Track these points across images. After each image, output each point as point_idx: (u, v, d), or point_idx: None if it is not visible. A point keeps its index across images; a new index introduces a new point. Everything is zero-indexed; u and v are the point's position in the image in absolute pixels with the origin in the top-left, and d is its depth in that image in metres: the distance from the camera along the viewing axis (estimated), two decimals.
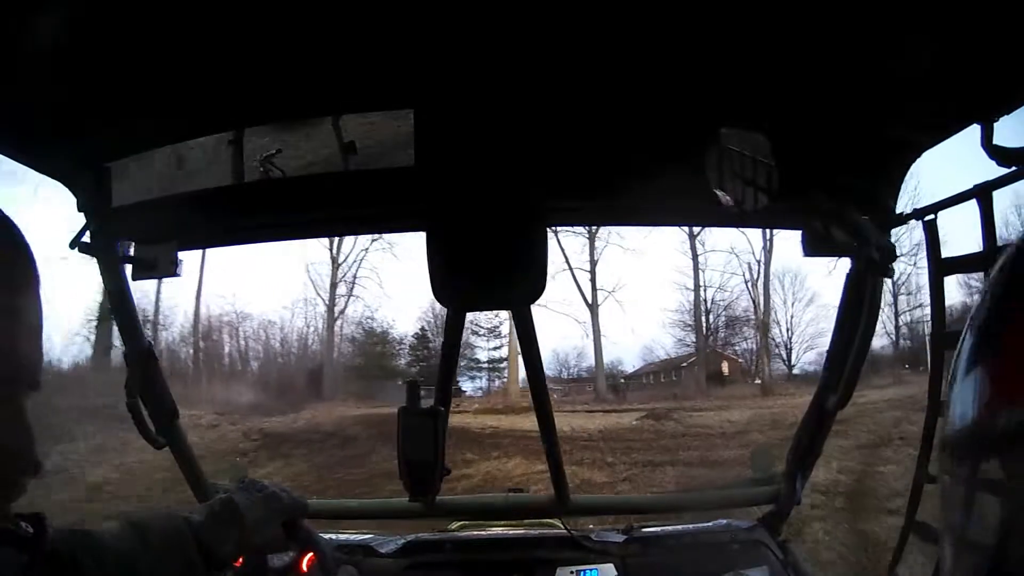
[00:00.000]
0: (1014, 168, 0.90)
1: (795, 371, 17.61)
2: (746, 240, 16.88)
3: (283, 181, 1.19)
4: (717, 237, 17.60)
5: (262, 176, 1.18)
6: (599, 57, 0.95)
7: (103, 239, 1.27)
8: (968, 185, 1.00)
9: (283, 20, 0.86)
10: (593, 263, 17.06)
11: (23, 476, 0.55)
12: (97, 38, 0.85)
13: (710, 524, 1.58)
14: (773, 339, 17.51)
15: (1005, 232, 1.01)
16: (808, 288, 17.18)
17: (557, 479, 1.51)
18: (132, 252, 1.32)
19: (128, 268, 1.34)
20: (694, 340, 17.69)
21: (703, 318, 17.61)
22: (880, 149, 1.11)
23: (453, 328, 1.34)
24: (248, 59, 0.94)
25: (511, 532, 1.62)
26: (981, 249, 1.03)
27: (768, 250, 17.06)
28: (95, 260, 1.29)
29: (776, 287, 17.54)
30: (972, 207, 1.00)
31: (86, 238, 1.25)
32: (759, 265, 17.36)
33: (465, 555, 1.48)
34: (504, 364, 17.41)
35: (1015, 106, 0.90)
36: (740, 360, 18.24)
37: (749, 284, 17.38)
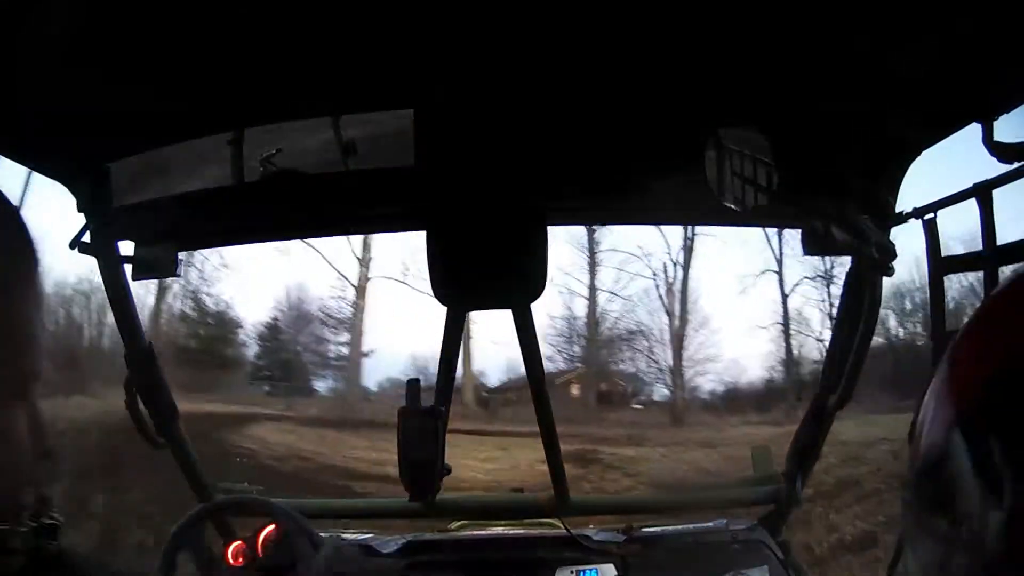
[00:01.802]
0: (1015, 166, 0.90)
1: (685, 396, 15.12)
2: (661, 236, 14.56)
3: (283, 181, 1.19)
4: (620, 232, 14.87)
5: (262, 176, 1.18)
6: (599, 57, 0.95)
7: (103, 239, 1.27)
8: (968, 184, 1.00)
9: (283, 20, 0.86)
10: None
11: (37, 463, 0.57)
12: (97, 38, 0.85)
13: (710, 524, 1.58)
14: (656, 360, 15.01)
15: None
16: (701, 307, 14.69)
17: (557, 479, 1.51)
18: (132, 252, 1.32)
19: (128, 268, 1.34)
20: (576, 353, 14.80)
21: (593, 328, 14.77)
22: (880, 148, 1.11)
23: (453, 328, 1.34)
24: (248, 59, 0.94)
25: (511, 532, 1.62)
26: (981, 248, 1.03)
27: (689, 248, 14.49)
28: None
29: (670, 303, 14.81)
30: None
31: (86, 238, 1.25)
32: (675, 267, 14.63)
33: (465, 555, 1.48)
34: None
35: (1015, 104, 0.90)
36: (620, 382, 15.55)
37: (660, 290, 14.58)
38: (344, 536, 1.53)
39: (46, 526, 0.76)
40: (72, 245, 1.25)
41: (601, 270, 13.80)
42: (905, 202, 1.18)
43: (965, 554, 0.31)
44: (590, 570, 1.43)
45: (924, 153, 1.12)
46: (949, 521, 0.32)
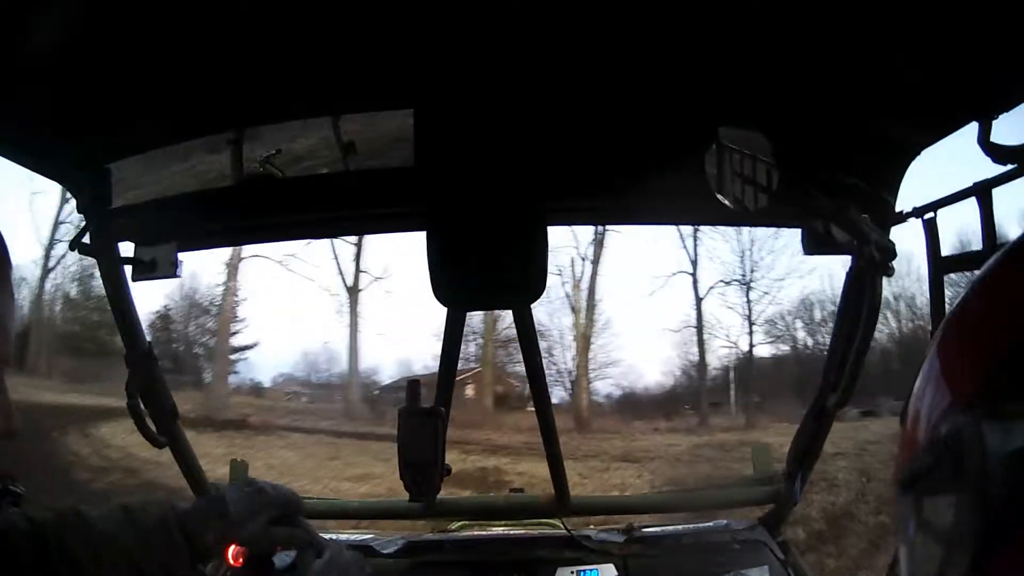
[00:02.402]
0: (1013, 166, 0.90)
1: (589, 400, 14.45)
2: (569, 229, 14.24)
3: (283, 181, 1.19)
4: None
5: (262, 176, 1.18)
6: (599, 57, 0.95)
7: (103, 239, 1.27)
8: (968, 183, 1.00)
9: (283, 20, 0.86)
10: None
11: (3, 439, 0.61)
12: (97, 39, 0.85)
13: (710, 524, 1.58)
14: (556, 362, 14.09)
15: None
16: (608, 307, 14.24)
17: (557, 479, 1.51)
18: (132, 252, 1.32)
19: (128, 268, 1.34)
20: (471, 352, 13.88)
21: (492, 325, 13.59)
22: (880, 148, 1.11)
23: (453, 328, 1.34)
24: (248, 59, 0.94)
25: (511, 532, 1.62)
26: (981, 248, 1.03)
27: (599, 243, 13.82)
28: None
29: (578, 302, 14.05)
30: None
31: (86, 239, 1.25)
32: (583, 263, 13.85)
33: (465, 555, 1.48)
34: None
35: (1014, 104, 0.90)
36: (515, 383, 14.40)
37: (567, 287, 13.83)
38: (344, 536, 1.53)
39: (9, 493, 0.80)
40: (72, 245, 1.25)
41: None
42: (905, 202, 1.19)
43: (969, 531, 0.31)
44: (590, 570, 1.43)
45: (924, 153, 1.12)
46: (951, 502, 0.32)
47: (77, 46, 0.85)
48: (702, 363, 14.14)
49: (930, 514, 0.35)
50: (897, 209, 1.18)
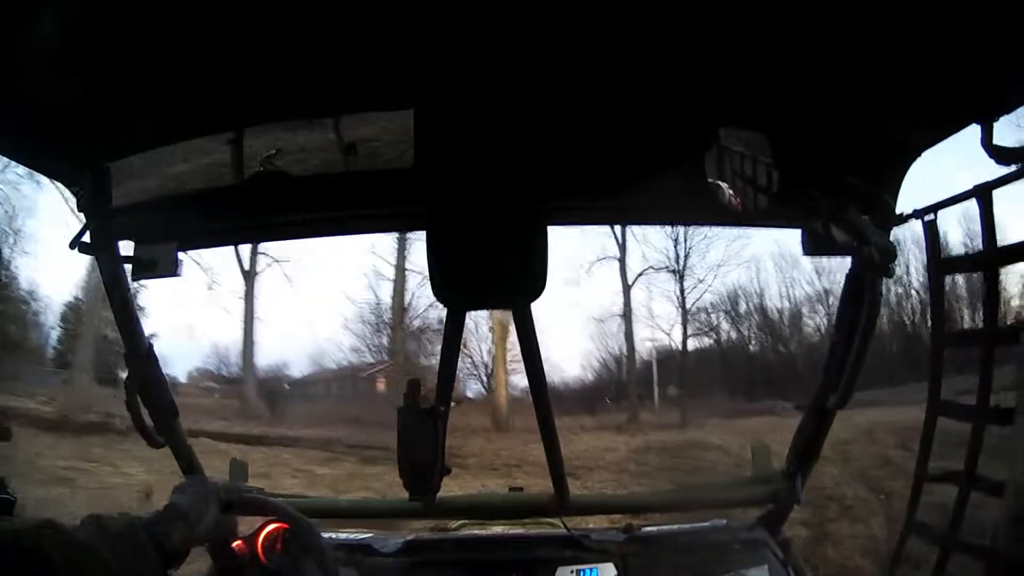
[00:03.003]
0: (1015, 167, 0.90)
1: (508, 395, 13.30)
2: None
3: (283, 181, 1.19)
4: None
5: (262, 176, 1.18)
6: (599, 57, 0.95)
7: (103, 239, 1.27)
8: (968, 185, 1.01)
9: (283, 20, 0.86)
10: None
11: None
12: (97, 39, 0.85)
13: (710, 524, 1.58)
14: (470, 352, 13.14)
15: None
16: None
17: (557, 478, 1.51)
18: (132, 252, 1.32)
19: (128, 268, 1.34)
20: (382, 344, 12.88)
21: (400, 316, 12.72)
22: (880, 149, 1.11)
23: (453, 327, 1.34)
24: (248, 59, 0.94)
25: (511, 531, 1.62)
26: (981, 249, 1.03)
27: None
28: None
29: None
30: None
31: (86, 238, 1.25)
32: None
33: (465, 554, 1.48)
34: None
35: (1014, 105, 0.90)
36: (432, 377, 13.85)
37: None
38: (344, 535, 1.53)
39: (2, 501, 0.83)
40: (72, 245, 1.25)
41: (412, 247, 12.10)
42: (905, 202, 1.19)
43: None
44: (590, 569, 1.43)
45: (924, 154, 1.12)
46: None
47: (77, 46, 0.85)
48: (630, 355, 13.51)
49: None
50: (898, 210, 1.18)
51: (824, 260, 15.05)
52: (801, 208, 1.13)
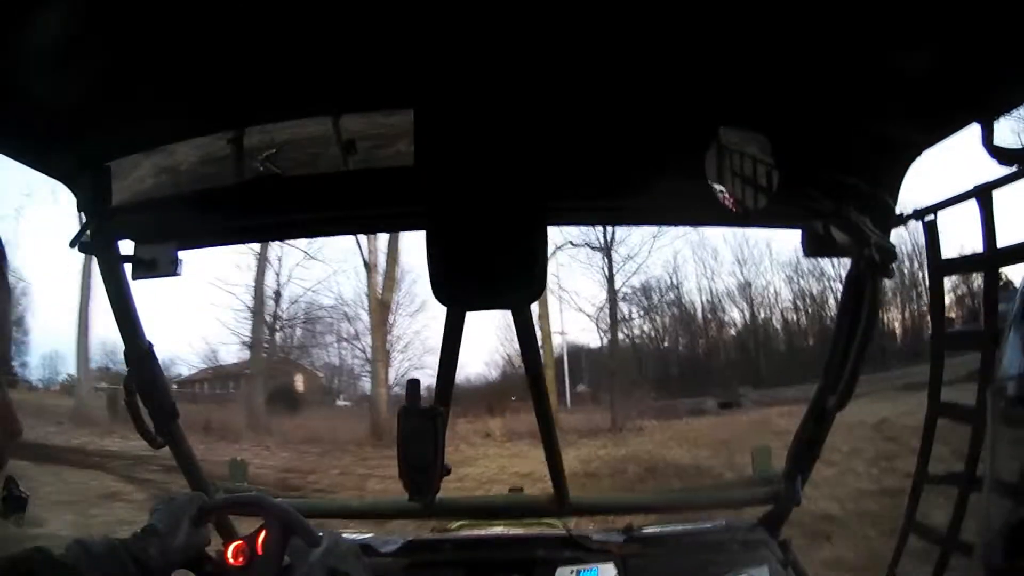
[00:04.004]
0: (1015, 168, 0.90)
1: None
2: None
3: (283, 181, 1.19)
4: None
5: (262, 176, 1.18)
6: (599, 58, 0.95)
7: (103, 239, 1.27)
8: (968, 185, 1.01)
9: (283, 20, 0.86)
10: None
11: (9, 440, 0.67)
12: (97, 38, 0.85)
13: (710, 524, 1.58)
14: (341, 333, 12.15)
15: None
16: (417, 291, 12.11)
17: (557, 479, 1.51)
18: (132, 252, 1.32)
19: (128, 268, 1.34)
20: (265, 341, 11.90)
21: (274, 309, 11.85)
22: (880, 149, 1.11)
23: (453, 328, 1.34)
24: (248, 59, 0.94)
25: (511, 532, 1.62)
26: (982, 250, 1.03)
27: None
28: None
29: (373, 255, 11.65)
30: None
31: (86, 238, 1.25)
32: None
33: (465, 555, 1.48)
34: None
35: (1014, 106, 0.90)
36: (320, 374, 12.81)
37: (363, 252, 11.79)
38: (344, 536, 1.52)
39: (15, 499, 0.85)
40: (72, 244, 1.25)
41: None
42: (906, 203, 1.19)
43: None
44: (590, 570, 1.43)
45: (924, 154, 1.12)
46: None
47: (77, 45, 0.85)
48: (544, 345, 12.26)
49: None
50: (897, 211, 1.18)
51: (747, 250, 15.01)
52: (801, 208, 1.13)
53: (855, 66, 0.92)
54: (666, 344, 15.56)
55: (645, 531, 1.52)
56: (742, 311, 15.35)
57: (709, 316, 15.47)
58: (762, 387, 13.13)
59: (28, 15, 0.78)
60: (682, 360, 15.53)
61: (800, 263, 14.85)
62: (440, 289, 1.15)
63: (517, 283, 1.16)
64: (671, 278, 14.22)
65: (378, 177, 1.18)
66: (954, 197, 1.06)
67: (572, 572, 1.42)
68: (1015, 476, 0.38)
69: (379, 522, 1.76)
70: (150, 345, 1.40)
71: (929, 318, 1.19)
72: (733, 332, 15.46)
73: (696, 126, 1.05)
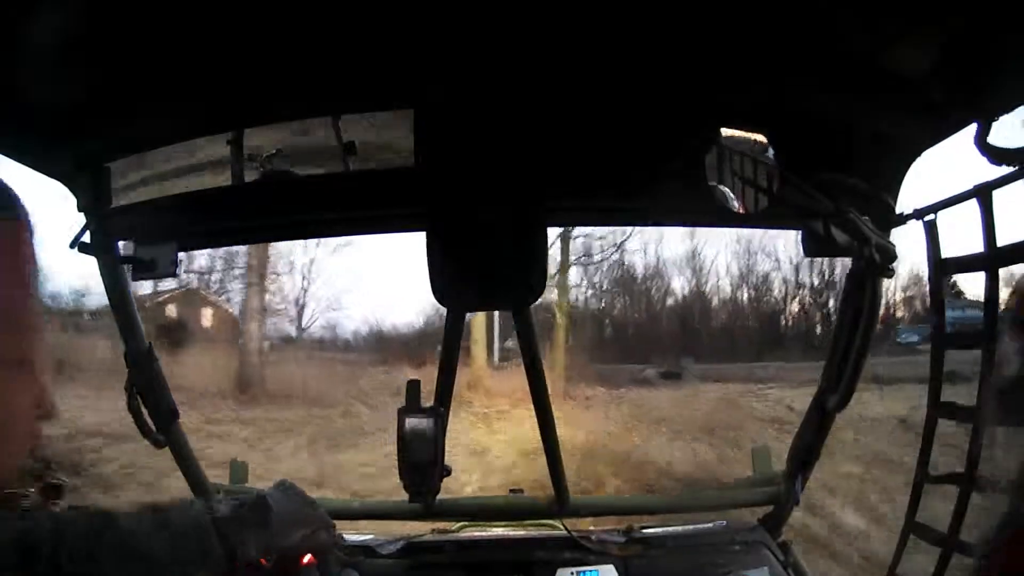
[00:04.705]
0: (1012, 168, 0.90)
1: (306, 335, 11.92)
2: None
3: (283, 181, 1.19)
4: None
5: (262, 176, 1.18)
6: (599, 58, 0.95)
7: (103, 239, 1.27)
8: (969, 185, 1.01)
9: (283, 20, 0.86)
10: None
11: (43, 420, 0.60)
12: (97, 38, 0.85)
13: (710, 525, 1.58)
14: (271, 292, 10.68)
15: None
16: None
17: (557, 480, 1.51)
18: (132, 252, 1.32)
19: (128, 268, 1.34)
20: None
21: None
22: (880, 148, 1.11)
23: (453, 328, 1.34)
24: (248, 59, 0.94)
25: (511, 533, 1.62)
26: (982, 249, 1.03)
27: None
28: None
29: None
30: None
31: (86, 238, 1.25)
32: None
33: (465, 556, 1.47)
34: None
35: (1014, 105, 0.90)
36: (231, 310, 11.45)
37: None
38: (344, 536, 1.52)
39: (51, 486, 0.77)
40: (72, 245, 1.25)
41: None
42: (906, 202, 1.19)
43: None
44: (590, 571, 1.43)
45: (924, 153, 1.12)
46: None
47: (77, 46, 0.85)
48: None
49: None
50: (898, 211, 1.18)
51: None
52: (801, 208, 1.12)
53: (855, 65, 0.92)
54: (608, 307, 15.12)
55: (645, 532, 1.52)
56: (688, 280, 15.05)
57: (653, 283, 15.05)
58: (704, 361, 12.83)
59: (28, 15, 0.78)
60: (623, 325, 15.06)
61: (752, 241, 14.62)
62: (440, 289, 1.15)
63: (517, 283, 1.16)
64: (616, 239, 13.48)
65: (378, 178, 1.18)
66: (954, 196, 1.06)
67: (572, 573, 1.42)
68: (1015, 475, 0.38)
69: (379, 523, 1.75)
70: (150, 345, 1.40)
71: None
72: (677, 301, 15.09)
73: (696, 126, 1.05)
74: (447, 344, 1.38)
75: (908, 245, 1.17)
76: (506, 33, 0.90)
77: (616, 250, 13.78)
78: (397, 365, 10.59)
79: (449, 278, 1.15)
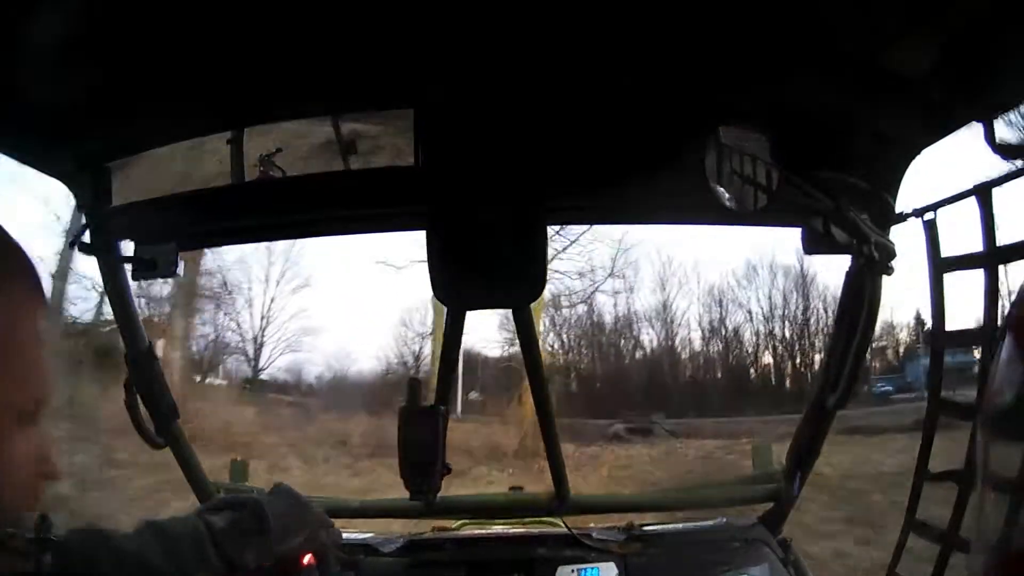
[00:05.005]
0: (1017, 165, 0.90)
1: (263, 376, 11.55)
2: None
3: (283, 181, 1.19)
4: None
5: (262, 176, 1.18)
6: (599, 56, 0.95)
7: (103, 239, 1.27)
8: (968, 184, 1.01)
9: (283, 20, 0.86)
10: None
11: (44, 482, 0.58)
12: (97, 38, 0.85)
13: (710, 522, 1.59)
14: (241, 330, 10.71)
15: None
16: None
17: (558, 478, 1.51)
18: (132, 252, 1.32)
19: (128, 268, 1.34)
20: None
21: None
22: (880, 147, 1.11)
23: (453, 328, 1.34)
24: (248, 59, 0.94)
25: (512, 531, 1.62)
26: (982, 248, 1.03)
27: None
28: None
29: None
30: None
31: (86, 238, 1.25)
32: None
33: (466, 554, 1.48)
34: None
35: (1014, 104, 0.90)
36: (190, 342, 10.69)
37: None
38: (344, 535, 1.53)
39: (42, 541, 0.73)
40: (72, 244, 1.25)
41: None
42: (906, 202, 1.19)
43: None
44: (591, 568, 1.43)
45: (924, 153, 1.12)
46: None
47: (77, 45, 0.85)
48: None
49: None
50: (897, 209, 1.18)
51: (670, 269, 14.08)
52: (800, 206, 1.13)
53: (855, 64, 0.92)
54: (574, 359, 14.50)
55: (646, 529, 1.53)
56: (658, 333, 14.46)
57: (622, 333, 14.48)
58: (674, 415, 12.30)
59: (28, 15, 0.78)
60: (590, 378, 14.43)
61: (726, 292, 14.24)
62: (440, 288, 1.15)
63: (517, 282, 1.16)
64: (584, 287, 13.06)
65: (378, 177, 1.18)
66: (954, 195, 1.06)
67: (573, 571, 1.42)
68: (1013, 473, 0.38)
69: (379, 521, 1.76)
70: (150, 345, 1.40)
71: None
72: (645, 354, 14.47)
73: (696, 125, 1.05)
74: (447, 343, 1.38)
75: (902, 252, 1.17)
76: (506, 32, 0.90)
77: (584, 301, 13.49)
78: (350, 414, 10.09)
79: (450, 277, 1.15)
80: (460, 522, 1.64)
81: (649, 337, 14.47)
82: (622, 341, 14.50)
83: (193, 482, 1.52)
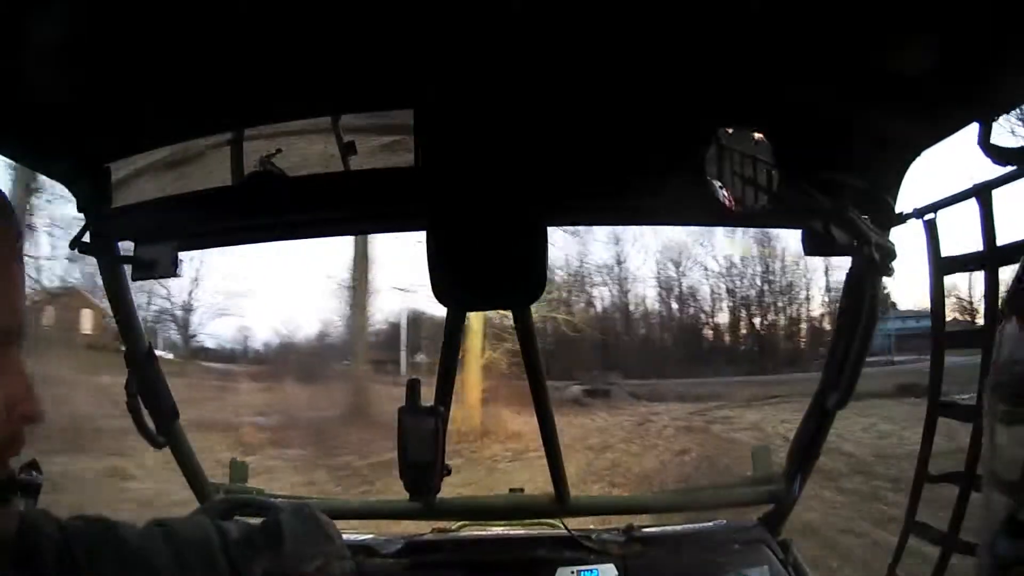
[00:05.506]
0: (1013, 167, 0.90)
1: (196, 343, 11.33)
2: None
3: (283, 181, 1.19)
4: None
5: (262, 176, 1.18)
6: (598, 57, 0.95)
7: (103, 239, 1.27)
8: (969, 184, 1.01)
9: (283, 20, 0.86)
10: None
11: (24, 425, 0.54)
12: (97, 38, 0.85)
13: (710, 524, 1.58)
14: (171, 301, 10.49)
15: None
16: None
17: (557, 479, 1.51)
18: (132, 252, 1.32)
19: (128, 268, 1.34)
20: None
21: None
22: (880, 148, 1.11)
23: (453, 328, 1.34)
24: (248, 59, 0.94)
25: (511, 532, 1.62)
26: (981, 248, 1.03)
27: None
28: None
29: None
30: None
31: (86, 238, 1.25)
32: None
33: (465, 555, 1.48)
34: None
35: (1014, 105, 0.90)
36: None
37: None
38: (344, 536, 1.52)
39: (29, 486, 0.72)
40: (72, 245, 1.25)
41: None
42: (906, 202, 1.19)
43: None
44: (591, 570, 1.43)
45: (924, 153, 1.12)
46: None
47: (77, 46, 0.85)
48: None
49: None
50: (897, 210, 1.18)
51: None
52: (801, 207, 1.13)
53: (855, 65, 0.92)
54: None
55: (645, 531, 1.53)
56: (612, 290, 13.89)
57: (573, 291, 13.62)
58: (632, 377, 11.83)
59: (28, 15, 0.78)
60: (540, 336, 13.58)
61: (681, 251, 13.88)
62: (440, 289, 1.15)
63: (517, 283, 1.16)
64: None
65: (378, 177, 1.18)
66: (954, 196, 1.06)
67: (573, 572, 1.42)
68: (1015, 473, 0.38)
69: (379, 522, 1.75)
70: (150, 345, 1.40)
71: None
72: (598, 312, 13.73)
73: (696, 126, 1.05)
74: (447, 344, 1.38)
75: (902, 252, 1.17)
76: (506, 32, 0.90)
77: None
78: (280, 379, 9.74)
79: (449, 277, 1.15)
80: (460, 523, 1.64)
81: (601, 293, 13.97)
82: (574, 298, 13.81)
83: (193, 482, 1.51)
